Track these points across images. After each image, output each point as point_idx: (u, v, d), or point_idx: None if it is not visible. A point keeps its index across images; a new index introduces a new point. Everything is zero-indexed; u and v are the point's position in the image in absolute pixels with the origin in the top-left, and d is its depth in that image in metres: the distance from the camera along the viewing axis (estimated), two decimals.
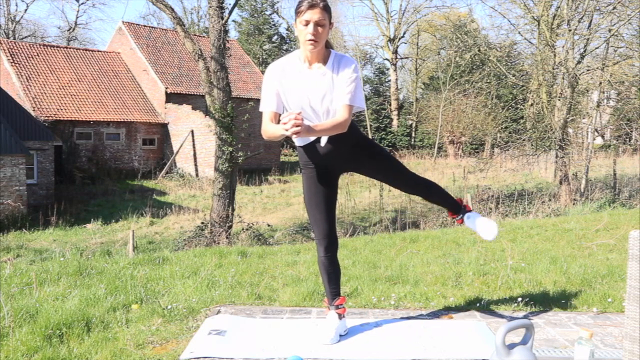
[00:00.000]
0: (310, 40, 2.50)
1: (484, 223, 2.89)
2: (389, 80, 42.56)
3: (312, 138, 2.66)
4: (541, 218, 9.68)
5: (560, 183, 14.37)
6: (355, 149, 2.75)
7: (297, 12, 2.52)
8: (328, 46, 2.65)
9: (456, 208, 2.98)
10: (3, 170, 16.76)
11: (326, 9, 2.51)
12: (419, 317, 3.18)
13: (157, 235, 15.07)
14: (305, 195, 2.84)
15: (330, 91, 2.58)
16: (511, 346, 2.27)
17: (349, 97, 2.54)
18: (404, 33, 42.29)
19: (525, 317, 3.19)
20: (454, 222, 3.04)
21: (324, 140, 2.67)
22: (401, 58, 44.19)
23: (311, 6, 2.47)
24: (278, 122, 2.61)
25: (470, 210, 2.99)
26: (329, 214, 2.81)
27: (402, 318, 3.16)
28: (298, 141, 2.72)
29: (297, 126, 2.27)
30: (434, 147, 34.87)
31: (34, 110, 22.31)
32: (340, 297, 2.87)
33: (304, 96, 2.60)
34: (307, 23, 2.49)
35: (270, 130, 2.59)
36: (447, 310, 3.31)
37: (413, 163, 29.38)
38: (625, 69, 15.53)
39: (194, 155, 26.02)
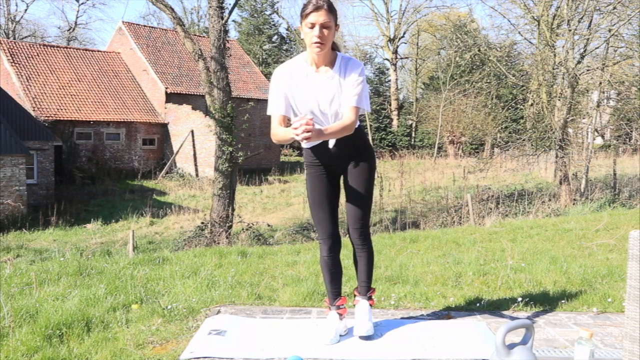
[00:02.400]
0: (316, 42, 2.49)
1: (366, 321, 2.79)
2: (389, 80, 42.56)
3: (316, 142, 2.68)
4: (541, 218, 9.68)
5: (560, 183, 14.36)
6: (356, 155, 2.75)
7: (303, 15, 2.52)
8: (335, 48, 2.65)
9: (364, 290, 2.87)
10: (3, 170, 16.76)
11: (331, 11, 2.50)
12: (419, 317, 3.18)
13: (157, 235, 15.07)
14: (309, 194, 2.84)
15: (339, 94, 2.60)
16: (511, 346, 2.27)
17: (355, 99, 2.56)
18: (404, 33, 42.29)
19: (525, 317, 3.19)
20: (353, 297, 2.97)
21: (332, 143, 2.69)
22: (401, 58, 44.20)
23: (316, 8, 2.47)
24: (286, 125, 2.63)
25: (371, 304, 2.88)
26: (333, 214, 2.82)
27: (402, 318, 3.16)
28: (306, 143, 2.73)
29: (308, 131, 2.28)
30: (434, 147, 34.88)
31: (34, 110, 22.32)
32: (341, 297, 2.87)
33: (312, 100, 2.61)
34: (312, 26, 2.49)
35: (279, 133, 2.58)
36: (447, 310, 3.31)
37: (413, 163, 29.38)
38: (625, 69, 15.52)
39: (194, 155, 26.02)
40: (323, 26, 2.49)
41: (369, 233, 2.87)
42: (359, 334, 2.77)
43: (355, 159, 2.76)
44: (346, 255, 5.12)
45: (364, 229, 2.81)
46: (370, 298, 2.87)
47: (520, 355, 2.24)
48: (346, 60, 2.62)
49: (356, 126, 2.64)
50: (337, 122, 2.56)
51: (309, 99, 2.61)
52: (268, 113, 2.67)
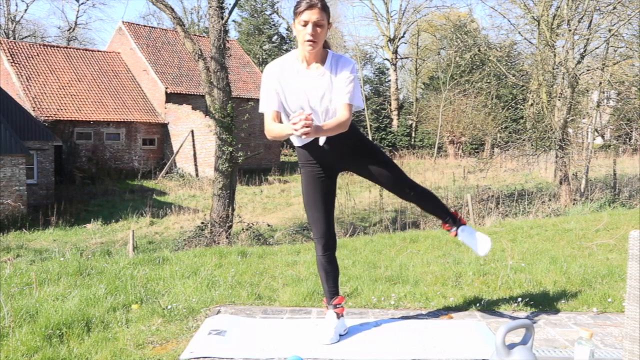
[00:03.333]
0: (309, 41, 2.49)
1: (478, 238, 2.89)
2: (389, 80, 42.56)
3: (312, 138, 2.67)
4: (541, 218, 9.68)
5: (560, 183, 14.36)
6: (354, 148, 2.76)
7: (296, 13, 2.52)
8: (325, 46, 2.65)
9: (451, 220, 2.96)
10: (3, 170, 16.75)
11: (324, 9, 2.50)
12: (419, 317, 3.18)
13: (157, 235, 15.07)
14: (304, 194, 2.84)
15: (330, 91, 2.59)
16: (511, 346, 2.27)
17: (348, 97, 2.56)
18: (404, 33, 42.30)
19: (525, 317, 3.19)
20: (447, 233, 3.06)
21: (322, 140, 2.68)
22: (401, 58, 44.20)
23: (310, 6, 2.47)
24: (279, 121, 2.63)
25: (464, 224, 2.96)
26: (327, 213, 2.82)
27: (402, 318, 3.15)
28: (297, 141, 2.72)
29: (307, 126, 2.28)
30: (434, 147, 34.87)
31: (34, 110, 22.31)
32: (338, 296, 2.87)
33: (303, 96, 2.61)
34: (305, 23, 2.49)
35: (275, 129, 2.57)
36: (447, 310, 3.31)
37: (413, 163, 29.38)
38: (625, 69, 15.51)
39: (194, 155, 26.02)
40: (316, 24, 2.49)
41: (418, 186, 2.94)
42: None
43: (354, 153, 2.75)
44: (345, 255, 5.12)
45: (413, 188, 2.90)
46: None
47: (520, 355, 2.24)
48: (337, 58, 2.63)
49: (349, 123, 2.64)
50: (333, 119, 2.56)
51: (300, 95, 2.61)
52: (260, 110, 2.66)
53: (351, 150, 2.75)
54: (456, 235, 2.95)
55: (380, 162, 2.82)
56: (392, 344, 2.72)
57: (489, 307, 3.34)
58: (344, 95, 2.56)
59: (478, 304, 3.39)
